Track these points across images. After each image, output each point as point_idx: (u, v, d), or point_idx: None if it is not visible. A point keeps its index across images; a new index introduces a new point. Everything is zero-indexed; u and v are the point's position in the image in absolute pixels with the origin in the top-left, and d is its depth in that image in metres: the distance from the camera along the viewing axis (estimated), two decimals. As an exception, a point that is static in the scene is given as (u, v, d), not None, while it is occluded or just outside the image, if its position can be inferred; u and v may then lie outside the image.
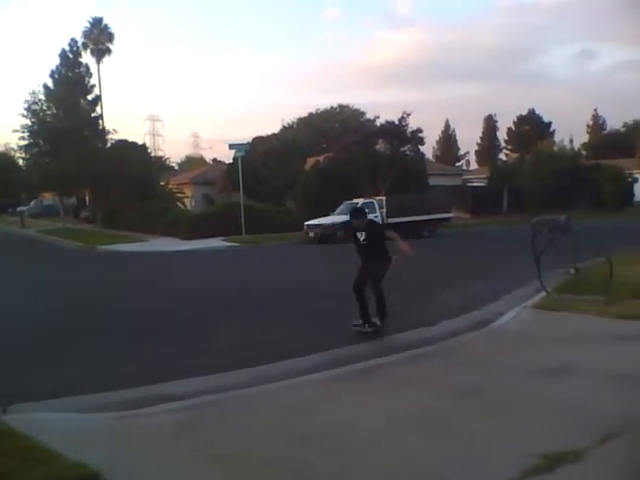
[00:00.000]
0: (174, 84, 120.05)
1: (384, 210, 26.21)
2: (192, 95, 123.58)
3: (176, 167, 59.84)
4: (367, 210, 8.89)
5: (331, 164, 33.36)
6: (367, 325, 7.53)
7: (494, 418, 4.43)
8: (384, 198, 27.11)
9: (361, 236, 7.72)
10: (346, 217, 28.62)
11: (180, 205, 34.31)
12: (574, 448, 3.73)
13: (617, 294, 8.34)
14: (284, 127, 57.83)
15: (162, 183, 36.27)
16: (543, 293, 9.05)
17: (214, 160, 58.24)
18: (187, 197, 36.57)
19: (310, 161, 36.46)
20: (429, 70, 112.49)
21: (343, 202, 27.15)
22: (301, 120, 59.28)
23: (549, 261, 9.21)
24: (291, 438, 4.17)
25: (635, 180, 39.72)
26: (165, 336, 8.07)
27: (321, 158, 35.81)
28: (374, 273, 7.55)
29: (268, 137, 39.54)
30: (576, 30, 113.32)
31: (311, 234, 25.17)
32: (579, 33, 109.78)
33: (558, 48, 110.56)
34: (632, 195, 39.66)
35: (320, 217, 26.02)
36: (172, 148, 73.81)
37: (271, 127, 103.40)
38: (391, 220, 26.04)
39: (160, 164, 40.96)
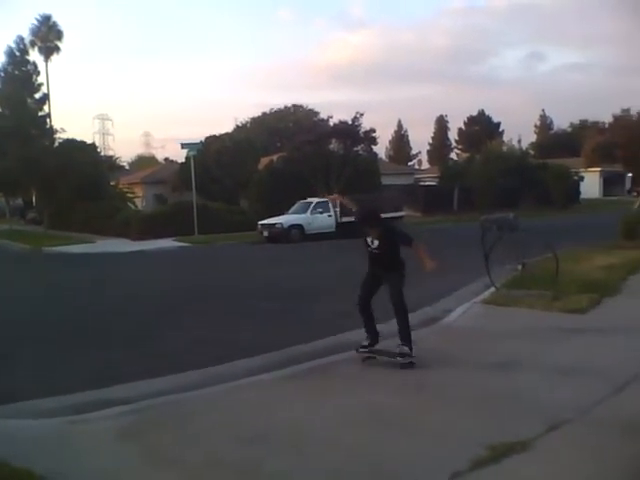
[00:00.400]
0: (125, 83, 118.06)
1: (338, 209, 26.30)
2: (143, 94, 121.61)
3: (127, 167, 58.72)
4: (381, 214, 6.47)
5: (285, 163, 33.30)
6: (398, 356, 5.81)
7: (443, 412, 4.49)
8: (338, 197, 27.20)
9: (372, 243, 6.13)
10: (299, 217, 28.36)
11: (131, 205, 33.68)
12: (521, 438, 3.82)
13: (563, 289, 8.58)
14: (237, 126, 57.51)
15: (112, 183, 35.52)
16: (492, 289, 9.23)
17: (166, 159, 57.45)
18: (138, 197, 35.90)
19: (264, 160, 36.31)
20: (382, 71, 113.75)
21: (297, 201, 27.16)
22: (255, 120, 59.05)
23: (498, 258, 9.39)
24: (240, 439, 4.14)
25: (581, 178, 40.90)
26: (113, 339, 7.89)
27: (275, 157, 35.71)
28: (393, 284, 6.03)
29: (221, 136, 39.16)
30: (526, 33, 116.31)
31: (265, 233, 25.07)
32: (529, 36, 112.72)
33: (508, 50, 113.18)
34: (578, 193, 40.86)
35: (274, 216, 25.95)
36: (123, 147, 73.20)
37: (224, 126, 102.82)
38: (345, 219, 26.16)
39: (110, 163, 40.03)
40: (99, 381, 5.74)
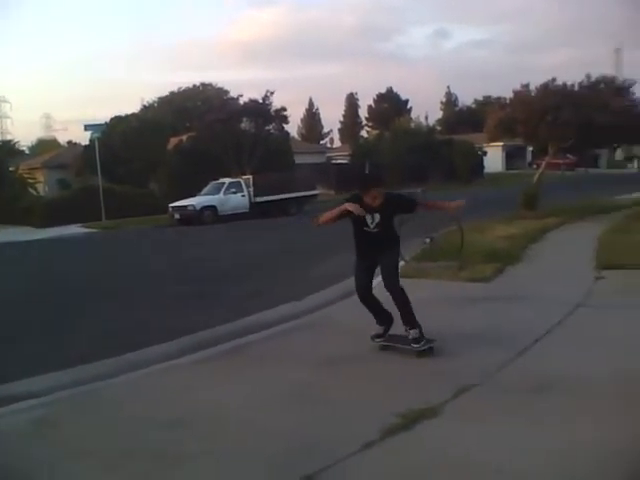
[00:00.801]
0: (22, 63, 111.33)
1: (251, 189, 26.10)
2: (42, 75, 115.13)
3: (27, 151, 55.69)
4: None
5: (195, 143, 32.65)
6: (412, 343, 5.13)
7: (357, 384, 4.58)
8: (251, 177, 27.00)
9: (372, 221, 5.20)
10: (211, 198, 27.90)
11: (32, 191, 32.03)
12: (430, 405, 3.96)
13: (469, 259, 8.92)
14: (144, 106, 55.62)
15: (12, 169, 33.60)
16: (402, 262, 9.44)
17: (69, 142, 54.82)
18: (40, 182, 34.17)
19: (173, 141, 35.41)
20: (292, 49, 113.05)
21: (209, 182, 26.72)
22: (162, 99, 57.26)
23: (407, 232, 9.59)
24: (159, 424, 4.06)
25: (485, 153, 42.51)
26: (19, 331, 7.52)
27: (184, 137, 34.90)
28: (389, 266, 5.29)
29: (127, 117, 37.80)
30: (431, 10, 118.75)
31: (177, 216, 24.54)
32: (434, 13, 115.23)
33: (415, 28, 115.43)
34: (482, 167, 42.50)
35: (186, 198, 25.42)
36: (22, 131, 68.83)
37: (130, 107, 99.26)
38: (259, 199, 26.02)
39: (8, 148, 37.85)
40: (6, 376, 5.44)
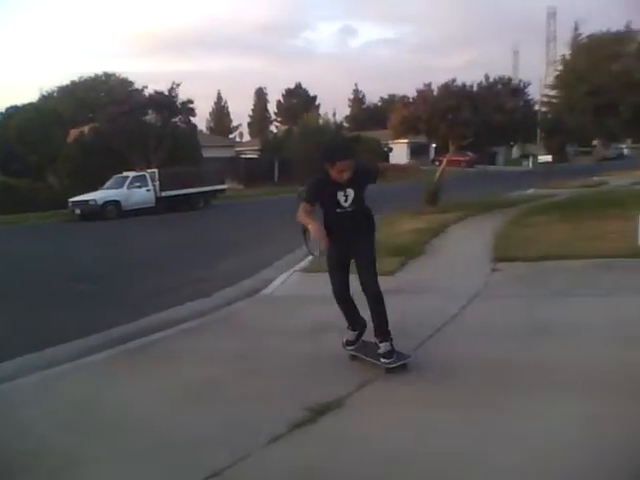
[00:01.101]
0: None
1: (157, 183, 25.50)
2: None
3: None
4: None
5: (97, 136, 31.49)
6: (382, 344, 4.51)
7: (263, 380, 4.60)
8: (157, 171, 26.38)
9: (345, 199, 4.49)
10: (115, 192, 27.17)
11: None
12: (336, 397, 4.04)
13: (383, 253, 9.10)
14: (43, 96, 52.91)
15: None
16: (310, 257, 9.54)
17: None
18: None
19: (73, 133, 33.98)
20: (200, 41, 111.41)
21: (113, 176, 25.86)
22: (62, 89, 54.67)
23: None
24: (62, 426, 3.92)
25: (390, 149, 43.64)
26: None
27: (86, 129, 33.55)
28: (367, 260, 4.60)
29: (24, 107, 35.87)
30: (339, 8, 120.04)
31: (77, 211, 23.59)
32: (342, 10, 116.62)
33: (323, 24, 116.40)
34: (388, 162, 43.61)
35: (87, 193, 24.48)
36: None
37: (27, 96, 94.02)
38: (165, 193, 25.47)
39: None
40: None
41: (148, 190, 25.25)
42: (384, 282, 7.58)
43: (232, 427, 3.77)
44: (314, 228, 4.39)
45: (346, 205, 4.53)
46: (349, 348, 4.90)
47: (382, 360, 4.46)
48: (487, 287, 7.17)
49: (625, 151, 58.99)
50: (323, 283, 7.97)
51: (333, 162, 4.38)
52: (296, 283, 8.27)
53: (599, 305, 5.98)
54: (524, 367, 4.34)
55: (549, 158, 30.15)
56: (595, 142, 59.78)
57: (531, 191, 21.65)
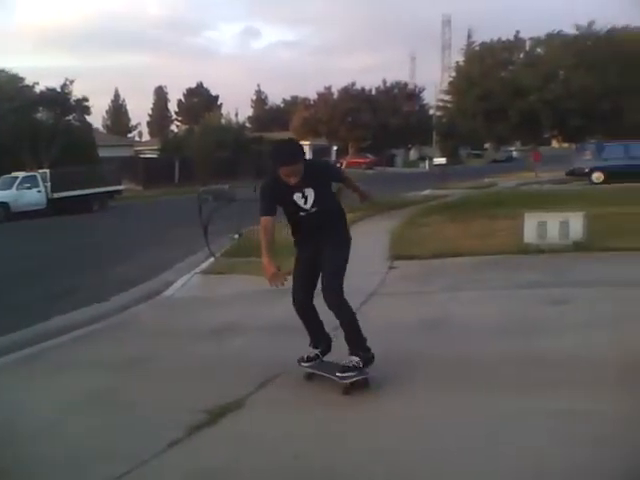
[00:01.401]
0: None
1: (49, 184, 24.31)
2: None
3: None
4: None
5: (-18, 134, 29.54)
6: (351, 357, 4.03)
7: (162, 384, 4.51)
8: (48, 171, 25.14)
9: (304, 201, 4.02)
10: (2, 194, 25.63)
11: None
12: (236, 398, 4.02)
13: (277, 254, 9.15)
14: None
15: None
16: (212, 259, 9.47)
17: None
18: None
19: (-45, 130, 31.68)
20: (96, 37, 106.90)
21: (1, 176, 24.41)
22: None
23: (217, 228, 9.66)
24: None
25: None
26: None
27: (-31, 127, 31.41)
28: (333, 263, 4.07)
29: None
30: (241, 8, 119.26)
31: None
32: (244, 11, 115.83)
33: (225, 24, 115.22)
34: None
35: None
36: None
37: None
38: (57, 195, 24.33)
39: None
40: None
41: (39, 191, 24.00)
42: (288, 282, 7.70)
43: (129, 435, 3.68)
44: (266, 269, 3.94)
45: (307, 207, 4.03)
46: (304, 365, 4.30)
47: (337, 374, 3.97)
48: (384, 284, 7.37)
49: (514, 154, 62.40)
50: (225, 285, 7.97)
51: (276, 167, 3.93)
52: (197, 285, 8.16)
53: (487, 299, 6.31)
54: (416, 362, 4.52)
55: (443, 160, 31.38)
56: (486, 145, 62.92)
57: (427, 192, 22.46)
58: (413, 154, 62.52)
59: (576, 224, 8.16)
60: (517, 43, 35.81)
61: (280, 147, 4.10)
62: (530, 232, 8.40)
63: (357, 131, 14.30)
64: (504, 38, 36.07)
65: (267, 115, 72.05)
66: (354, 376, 3.96)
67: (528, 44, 35.91)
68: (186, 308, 6.97)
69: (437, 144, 52.14)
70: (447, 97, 39.02)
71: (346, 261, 4.14)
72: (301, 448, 3.30)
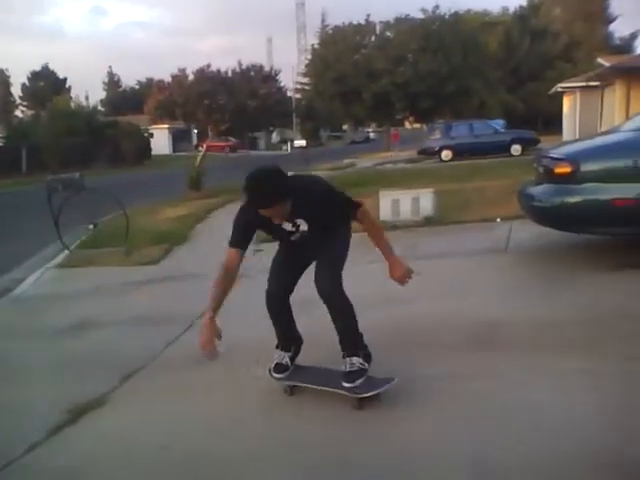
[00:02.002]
0: None
1: None
2: None
3: None
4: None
5: None
6: (352, 359, 3.34)
7: (18, 387, 4.25)
8: None
9: (295, 230, 3.35)
10: None
11: None
12: (97, 395, 3.90)
13: (137, 243, 8.89)
14: None
15: None
16: (66, 252, 8.99)
17: None
18: None
19: None
20: None
21: None
22: None
23: (70, 219, 9.16)
24: None
25: (151, 135, 42.33)
26: None
27: None
28: (330, 256, 3.41)
29: None
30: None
31: None
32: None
33: (72, 3, 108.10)
34: (149, 149, 42.29)
35: None
36: None
37: None
38: None
39: None
40: None
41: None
42: (147, 271, 7.51)
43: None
44: (201, 332, 3.13)
45: (301, 231, 3.33)
46: (279, 376, 3.59)
47: (345, 384, 3.29)
48: (249, 267, 7.39)
49: (371, 135, 64.75)
50: (82, 278, 7.61)
51: (267, 205, 3.10)
52: (51, 280, 7.72)
53: (348, 276, 6.55)
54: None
55: (304, 143, 31.88)
56: (345, 127, 64.66)
57: (290, 174, 22.67)
58: (275, 137, 62.86)
59: (426, 200, 8.67)
60: (368, 27, 37.00)
61: (254, 185, 3.11)
62: (385, 210, 8.81)
63: (215, 114, 14.12)
64: (356, 22, 37.13)
65: (121, 98, 68.87)
66: (370, 388, 3.26)
67: (378, 28, 37.25)
68: (39, 306, 6.57)
69: (298, 126, 52.84)
70: (305, 80, 39.61)
71: (346, 252, 3.49)
72: (166, 439, 3.26)
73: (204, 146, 18.36)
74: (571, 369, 3.46)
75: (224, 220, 11.70)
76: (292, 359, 3.63)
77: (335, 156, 33.20)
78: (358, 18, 37.27)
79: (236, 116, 14.17)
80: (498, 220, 7.95)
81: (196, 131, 49.78)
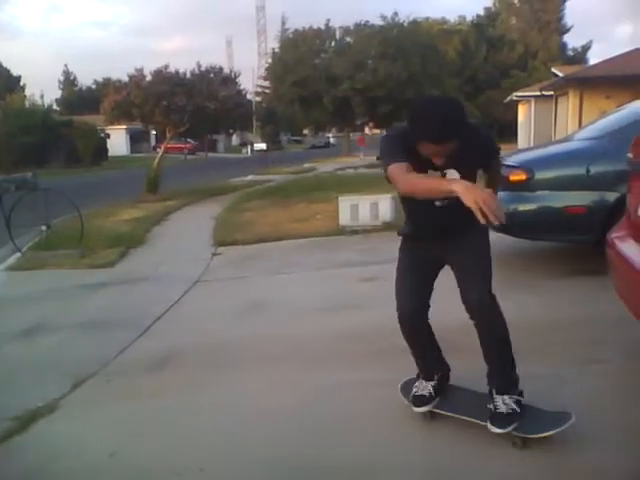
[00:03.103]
0: None
1: None
2: None
3: None
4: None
5: None
6: (503, 397, 2.73)
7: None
8: None
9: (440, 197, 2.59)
10: None
11: None
12: (49, 401, 3.79)
13: (92, 246, 8.71)
14: None
15: None
16: (18, 254, 8.74)
17: None
18: None
19: None
20: None
21: None
22: None
23: (22, 220, 8.91)
24: None
25: (108, 136, 41.59)
26: None
27: None
28: (482, 261, 2.81)
29: None
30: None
31: None
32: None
33: (27, 0, 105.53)
34: (106, 150, 41.53)
35: None
36: None
37: None
38: None
39: None
40: None
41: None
42: (102, 274, 7.37)
43: None
44: (467, 188, 2.30)
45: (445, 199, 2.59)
46: (419, 410, 3.00)
47: (492, 426, 2.70)
48: (207, 271, 7.34)
49: (331, 140, 65.01)
50: (34, 281, 7.40)
51: (416, 139, 2.52)
52: (2, 283, 7.49)
53: (306, 280, 6.57)
54: (239, 344, 4.58)
55: (264, 146, 31.80)
56: (305, 131, 64.80)
57: (250, 177, 22.63)
58: (235, 140, 62.52)
59: (385, 205, 8.74)
60: (328, 31, 37.18)
61: (430, 109, 2.51)
62: (344, 215, 8.85)
63: (173, 115, 13.90)
64: (316, 26, 37.26)
65: (77, 97, 67.46)
66: (526, 432, 2.68)
67: (338, 33, 37.46)
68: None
69: (258, 129, 52.66)
70: (265, 83, 39.54)
71: (490, 253, 2.87)
72: (116, 446, 3.19)
73: (162, 148, 18.12)
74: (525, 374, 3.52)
75: (181, 223, 11.70)
76: (438, 389, 3.02)
77: (295, 160, 33.24)
78: (318, 23, 37.45)
79: (195, 118, 14.04)
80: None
81: (154, 132, 49.13)
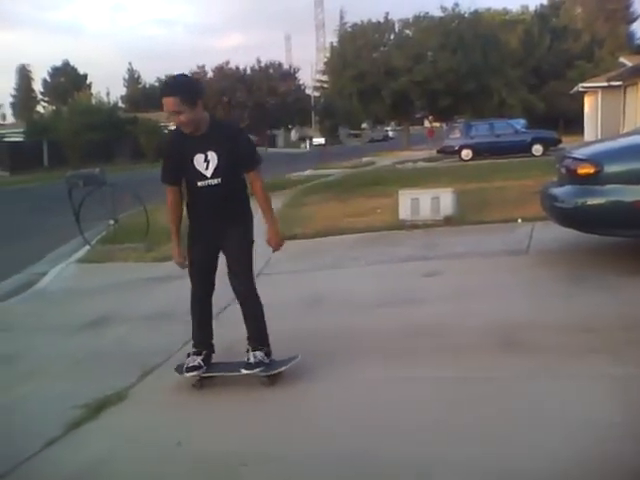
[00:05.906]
0: None
1: None
2: None
3: None
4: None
5: None
6: (256, 353, 3.70)
7: (38, 381, 4.29)
8: None
9: (206, 164, 3.46)
10: None
11: None
12: (117, 390, 3.91)
13: (156, 240, 8.93)
14: None
15: None
16: (87, 247, 9.07)
17: None
18: None
19: None
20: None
21: None
22: None
23: (91, 215, 9.23)
24: None
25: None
26: None
27: None
28: (240, 249, 3.77)
29: None
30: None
31: None
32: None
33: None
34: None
35: None
36: None
37: None
38: None
39: None
40: None
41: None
42: (166, 268, 7.51)
43: (4, 436, 3.48)
44: (173, 254, 3.90)
45: (208, 174, 3.42)
46: (192, 374, 3.77)
47: (243, 371, 3.66)
48: (268, 265, 7.40)
49: (390, 133, 64.53)
50: (101, 273, 7.66)
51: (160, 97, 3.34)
52: (72, 275, 7.79)
53: (367, 275, 6.54)
54: (303, 337, 4.60)
55: (322, 140, 31.85)
56: (364, 125, 64.55)
57: (308, 172, 22.70)
58: (294, 135, 62.90)
59: (446, 200, 8.60)
60: (387, 24, 36.84)
61: (172, 76, 3.54)
62: (404, 209, 8.75)
63: (234, 111, 14.17)
64: (374, 20, 36.99)
65: (141, 95, 69.33)
66: (272, 367, 3.67)
67: (397, 26, 37.07)
68: (61, 300, 6.64)
69: (316, 124, 52.82)
70: (323, 77, 39.56)
71: (252, 244, 3.86)
72: (183, 435, 3.27)
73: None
74: (592, 374, 3.41)
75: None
76: (209, 355, 3.88)
77: (354, 154, 33.12)
78: (376, 16, 37.19)
79: (255, 113, 14.20)
80: (519, 221, 7.87)
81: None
